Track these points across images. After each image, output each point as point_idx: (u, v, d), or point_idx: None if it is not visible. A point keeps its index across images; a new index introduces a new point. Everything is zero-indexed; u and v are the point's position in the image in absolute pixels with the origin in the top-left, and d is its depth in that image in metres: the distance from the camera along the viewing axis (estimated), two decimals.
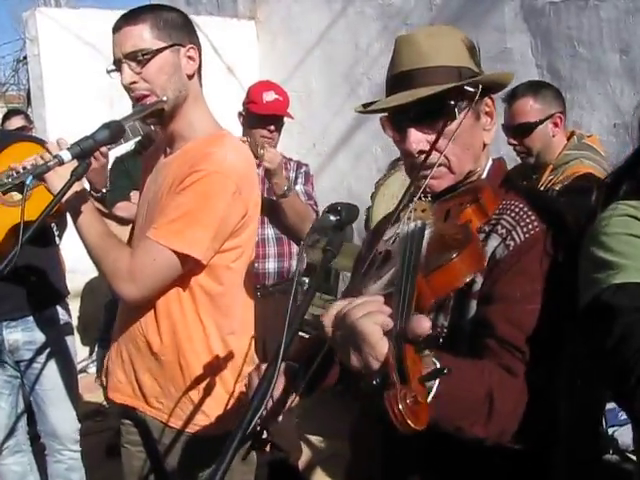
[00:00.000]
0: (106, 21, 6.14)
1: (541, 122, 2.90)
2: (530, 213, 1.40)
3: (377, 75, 5.98)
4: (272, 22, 6.92)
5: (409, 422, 0.98)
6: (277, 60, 6.85)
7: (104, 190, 2.30)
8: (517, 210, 1.41)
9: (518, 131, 2.93)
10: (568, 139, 2.95)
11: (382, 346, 1.06)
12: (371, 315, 1.09)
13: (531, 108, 2.91)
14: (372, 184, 5.70)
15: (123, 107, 6.26)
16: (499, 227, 1.40)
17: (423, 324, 1.04)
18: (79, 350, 5.90)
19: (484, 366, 1.26)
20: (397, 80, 1.48)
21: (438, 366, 1.08)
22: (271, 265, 3.61)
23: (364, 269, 1.39)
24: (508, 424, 1.24)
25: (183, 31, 2.05)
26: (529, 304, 1.31)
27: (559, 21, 4.67)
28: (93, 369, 5.88)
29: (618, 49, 4.33)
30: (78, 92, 5.94)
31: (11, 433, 3.11)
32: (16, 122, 5.69)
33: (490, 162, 1.56)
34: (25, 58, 7.35)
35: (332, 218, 1.30)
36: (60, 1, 21.93)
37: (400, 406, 0.98)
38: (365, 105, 1.59)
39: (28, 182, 1.77)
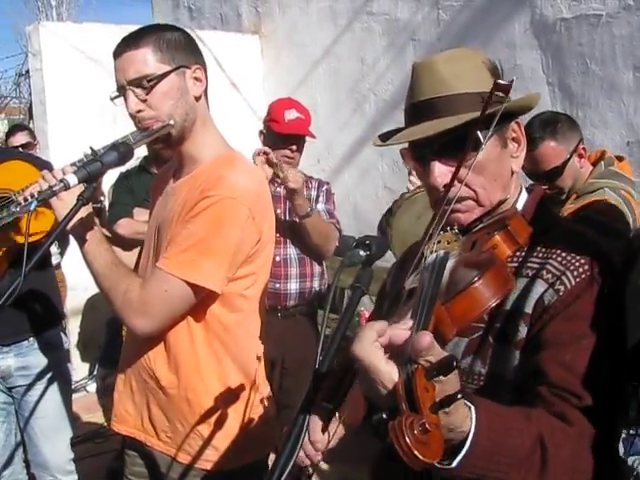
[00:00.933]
0: (110, 36, 6.14)
1: (568, 160, 2.79)
2: (579, 257, 1.32)
3: (383, 91, 5.93)
4: (277, 37, 6.87)
5: (416, 453, 0.89)
6: (281, 75, 6.80)
7: (102, 198, 2.21)
8: (564, 254, 1.33)
9: (548, 177, 2.82)
10: (595, 163, 2.86)
11: (387, 371, 1.00)
12: (365, 336, 1.03)
13: (554, 151, 2.79)
14: (378, 201, 5.65)
15: (126, 122, 6.21)
16: (544, 272, 1.32)
17: (424, 338, 0.97)
18: (79, 368, 5.84)
19: (531, 412, 1.17)
20: (417, 109, 1.40)
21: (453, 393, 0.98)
22: (293, 286, 3.54)
23: (387, 307, 1.31)
24: (566, 476, 1.14)
25: (187, 51, 1.97)
26: (581, 347, 1.24)
27: (570, 37, 4.61)
28: (93, 388, 5.78)
29: (631, 66, 4.27)
30: (81, 106, 5.88)
31: (7, 462, 3.00)
32: (20, 138, 5.65)
33: (524, 192, 1.47)
34: (27, 72, 7.31)
35: (362, 253, 1.22)
36: (62, 15, 22.11)
37: (406, 436, 0.89)
38: (383, 136, 1.51)
39: (32, 208, 1.69)
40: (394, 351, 1.03)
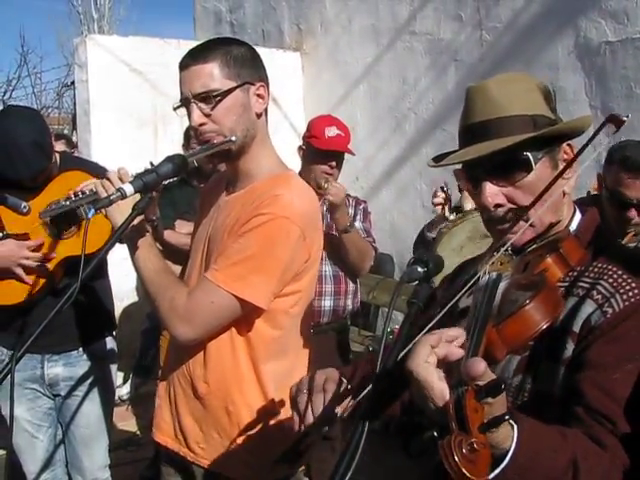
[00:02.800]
0: (154, 49, 6.24)
1: None
2: (630, 280, 1.31)
3: (424, 110, 5.94)
4: (318, 54, 6.93)
5: (464, 471, 0.92)
6: (322, 92, 6.85)
7: (154, 218, 2.24)
8: (615, 276, 1.33)
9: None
10: None
11: (440, 389, 1.04)
12: (418, 353, 1.07)
13: None
14: (415, 220, 5.64)
15: (167, 135, 6.29)
16: (594, 292, 1.32)
17: (477, 366, 1.01)
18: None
19: (568, 432, 1.18)
20: (470, 131, 1.43)
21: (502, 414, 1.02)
22: (327, 303, 3.54)
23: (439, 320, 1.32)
24: None
25: (252, 68, 1.98)
26: (623, 371, 1.24)
27: (615, 61, 4.59)
28: (127, 396, 5.82)
29: None
30: (123, 118, 5.98)
31: (49, 466, 3.04)
32: (58, 147, 5.71)
33: (578, 214, 1.48)
34: (72, 83, 7.45)
35: (420, 270, 1.23)
36: (103, 28, 22.51)
37: (455, 454, 0.92)
38: (437, 158, 1.53)
39: (90, 215, 1.72)
40: (446, 366, 1.08)
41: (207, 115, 1.91)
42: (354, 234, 3.38)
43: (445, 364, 1.08)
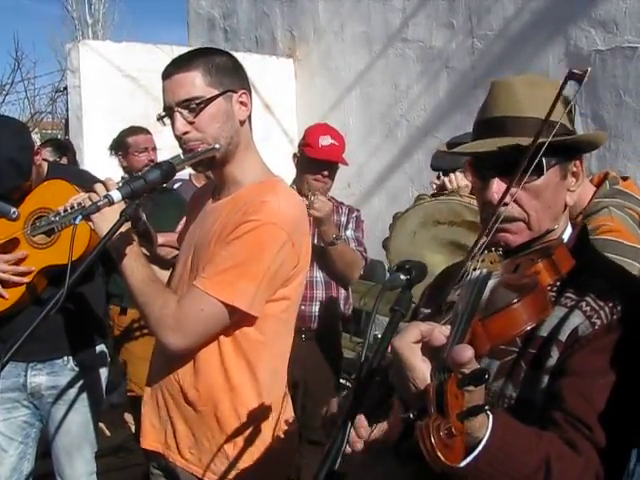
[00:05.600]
0: (147, 55, 6.24)
1: None
2: (618, 293, 1.33)
3: (416, 117, 5.96)
4: (311, 61, 6.95)
5: (439, 454, 0.93)
6: (314, 98, 6.87)
7: (140, 224, 2.23)
8: (604, 290, 1.34)
9: None
10: (599, 184, 2.80)
11: (422, 370, 1.07)
12: (407, 333, 1.10)
13: None
14: None
15: (159, 141, 6.28)
16: (583, 304, 1.33)
17: (464, 352, 1.02)
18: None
19: (544, 434, 1.19)
20: (487, 125, 1.43)
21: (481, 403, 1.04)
22: (318, 309, 3.55)
23: (426, 317, 1.34)
24: None
25: (235, 76, 1.99)
26: (603, 380, 1.24)
27: (605, 69, 4.63)
28: (117, 402, 5.79)
29: None
30: (116, 124, 5.97)
31: None
32: (45, 154, 5.62)
33: (570, 227, 1.49)
34: (65, 88, 7.44)
35: (402, 277, 1.24)
36: (97, 33, 22.52)
37: (432, 436, 0.93)
38: (450, 145, 1.54)
39: (77, 222, 1.72)
40: (429, 352, 1.10)
41: (191, 123, 1.92)
42: (340, 246, 3.38)
43: (429, 351, 1.10)
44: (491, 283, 1.29)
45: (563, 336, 1.30)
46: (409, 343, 1.09)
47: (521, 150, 1.32)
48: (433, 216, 3.05)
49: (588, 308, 1.32)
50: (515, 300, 1.18)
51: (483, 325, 1.16)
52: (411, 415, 1.02)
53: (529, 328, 1.19)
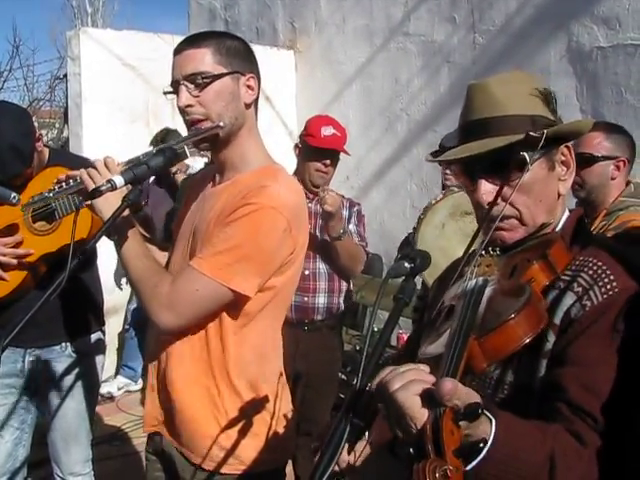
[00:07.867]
0: (148, 44, 6.22)
1: (604, 158, 2.79)
2: (609, 272, 1.32)
3: (416, 111, 5.96)
4: (312, 53, 6.93)
5: None
6: (315, 91, 6.86)
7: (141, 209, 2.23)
8: (595, 268, 1.34)
9: (577, 160, 2.82)
10: (626, 186, 2.88)
11: (422, 416, 1.05)
12: (410, 386, 1.08)
13: (598, 143, 2.80)
14: (405, 220, 5.66)
15: (159, 129, 6.22)
16: (575, 285, 1.33)
17: (445, 385, 1.03)
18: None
19: (548, 428, 1.19)
20: (469, 128, 1.44)
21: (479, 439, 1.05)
22: (321, 300, 3.57)
23: (427, 320, 1.33)
24: None
25: (245, 60, 2.00)
26: (605, 368, 1.25)
27: (606, 66, 4.62)
28: (114, 390, 5.80)
29: None
30: (115, 113, 5.97)
31: (9, 475, 2.93)
32: None
33: (566, 213, 1.49)
34: (65, 76, 7.41)
35: (407, 265, 1.24)
36: (97, 22, 22.42)
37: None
38: (435, 154, 1.55)
39: (79, 207, 1.71)
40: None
41: (195, 97, 1.92)
42: (346, 241, 3.42)
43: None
44: (488, 292, 1.32)
45: (557, 319, 1.31)
46: (412, 396, 1.08)
47: (503, 149, 1.34)
48: (461, 206, 3.07)
49: (580, 289, 1.32)
50: (512, 316, 1.20)
51: (479, 344, 1.19)
52: (411, 451, 1.04)
53: (527, 341, 1.22)
